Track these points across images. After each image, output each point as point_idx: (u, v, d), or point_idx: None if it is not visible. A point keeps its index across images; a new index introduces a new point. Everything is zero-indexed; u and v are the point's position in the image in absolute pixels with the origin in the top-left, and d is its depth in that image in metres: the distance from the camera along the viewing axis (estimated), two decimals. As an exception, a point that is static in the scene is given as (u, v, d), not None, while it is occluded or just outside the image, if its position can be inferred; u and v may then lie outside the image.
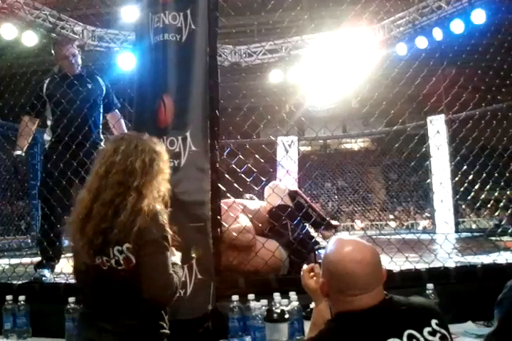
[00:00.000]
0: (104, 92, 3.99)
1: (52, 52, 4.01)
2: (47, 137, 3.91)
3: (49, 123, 3.89)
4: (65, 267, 3.46)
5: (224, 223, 2.91)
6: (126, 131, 3.97)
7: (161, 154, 2.01)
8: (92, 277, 1.92)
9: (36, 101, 3.80)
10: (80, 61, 3.95)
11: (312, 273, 1.72)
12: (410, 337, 1.38)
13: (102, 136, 4.02)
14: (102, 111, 4.00)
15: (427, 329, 1.41)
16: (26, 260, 3.86)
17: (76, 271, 2.03)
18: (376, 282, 1.46)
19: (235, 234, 2.97)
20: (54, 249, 3.63)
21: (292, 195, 3.56)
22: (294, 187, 3.70)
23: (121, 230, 1.83)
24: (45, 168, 3.74)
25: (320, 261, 1.59)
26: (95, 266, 1.88)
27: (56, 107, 3.73)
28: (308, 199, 3.68)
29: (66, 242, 7.25)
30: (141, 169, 1.90)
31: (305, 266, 1.84)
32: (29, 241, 7.05)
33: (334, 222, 3.87)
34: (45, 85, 3.84)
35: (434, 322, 1.43)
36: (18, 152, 3.81)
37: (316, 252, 3.18)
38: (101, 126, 4.02)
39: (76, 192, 3.88)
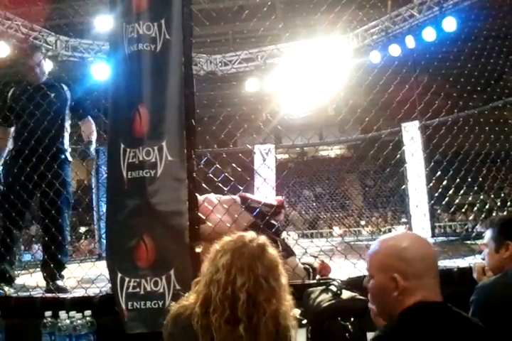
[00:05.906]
0: (70, 100, 3.78)
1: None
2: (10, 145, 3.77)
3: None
4: (40, 281, 3.40)
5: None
6: (94, 132, 3.82)
7: None
8: None
9: (8, 112, 3.70)
10: (44, 70, 3.81)
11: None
12: None
13: (65, 146, 3.76)
14: (67, 120, 3.80)
15: None
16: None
17: None
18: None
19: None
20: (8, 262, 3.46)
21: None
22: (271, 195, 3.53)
23: None
24: (6, 181, 3.63)
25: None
26: None
27: (17, 119, 3.62)
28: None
29: (28, 257, 7.09)
30: None
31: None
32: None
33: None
34: (9, 95, 3.74)
35: None
36: None
37: None
38: (66, 136, 3.79)
39: (37, 205, 3.74)
